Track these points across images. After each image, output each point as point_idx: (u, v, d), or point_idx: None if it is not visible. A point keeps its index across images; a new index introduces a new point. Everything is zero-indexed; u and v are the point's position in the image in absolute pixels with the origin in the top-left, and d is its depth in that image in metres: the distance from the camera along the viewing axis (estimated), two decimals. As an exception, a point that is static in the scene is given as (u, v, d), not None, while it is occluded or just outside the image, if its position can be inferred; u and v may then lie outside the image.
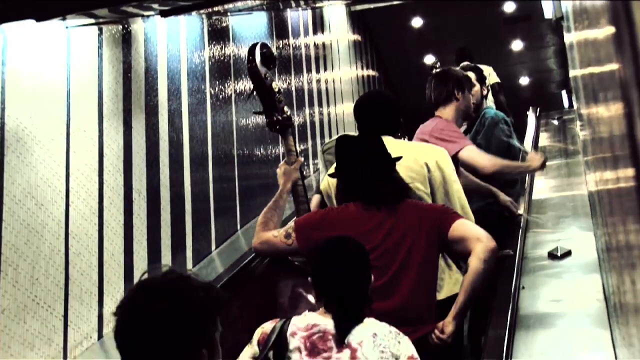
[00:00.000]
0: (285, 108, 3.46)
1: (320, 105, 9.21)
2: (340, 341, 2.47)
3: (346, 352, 2.46)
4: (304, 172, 3.39)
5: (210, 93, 6.00)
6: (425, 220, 3.02)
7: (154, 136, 5.09)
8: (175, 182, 5.28)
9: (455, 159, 3.99)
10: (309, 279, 2.66)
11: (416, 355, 2.55)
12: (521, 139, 6.32)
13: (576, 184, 5.43)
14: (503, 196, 4.58)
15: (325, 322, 2.52)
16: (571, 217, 4.75)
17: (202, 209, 5.67)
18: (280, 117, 3.44)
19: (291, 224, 3.14)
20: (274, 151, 7.23)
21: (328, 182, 3.59)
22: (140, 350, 1.94)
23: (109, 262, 4.44)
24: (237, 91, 6.53)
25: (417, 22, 12.48)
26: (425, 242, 3.00)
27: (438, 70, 4.61)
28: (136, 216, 4.77)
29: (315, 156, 8.69)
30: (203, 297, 1.99)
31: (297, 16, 8.61)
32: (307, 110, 8.63)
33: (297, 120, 8.16)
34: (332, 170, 3.30)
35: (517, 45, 12.94)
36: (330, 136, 9.53)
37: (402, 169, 3.31)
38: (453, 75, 4.47)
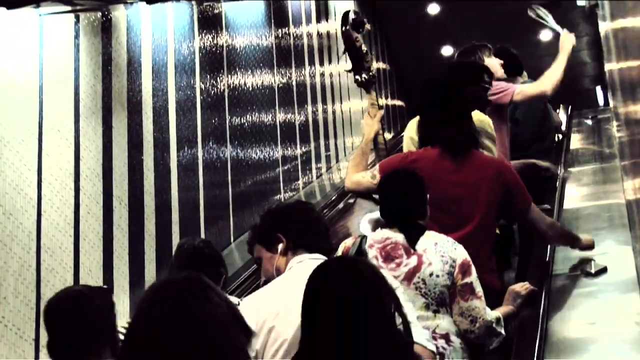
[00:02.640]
0: (372, 67, 4.41)
1: (324, 102, 9.22)
2: (409, 249, 3.32)
3: (414, 258, 3.30)
4: (385, 124, 4.49)
5: (201, 88, 6.01)
6: (501, 183, 3.77)
7: (136, 137, 5.09)
8: (160, 188, 5.28)
9: (507, 106, 4.94)
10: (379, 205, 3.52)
11: (469, 259, 3.32)
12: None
13: (612, 191, 5.42)
14: (541, 162, 5.46)
15: (395, 235, 3.37)
16: (607, 230, 4.74)
17: (191, 219, 5.67)
18: (367, 76, 4.36)
19: (376, 166, 4.01)
20: (271, 154, 7.24)
21: (410, 138, 4.49)
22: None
23: (86, 278, 4.44)
24: (231, 86, 6.53)
25: (433, 8, 12.49)
26: (495, 196, 3.75)
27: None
28: (116, 227, 4.77)
29: (318, 160, 8.69)
30: None
31: (298, 3, 8.63)
32: (309, 108, 8.63)
33: (298, 119, 8.17)
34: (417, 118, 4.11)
35: (545, 35, 12.92)
36: (335, 137, 9.54)
37: None
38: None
